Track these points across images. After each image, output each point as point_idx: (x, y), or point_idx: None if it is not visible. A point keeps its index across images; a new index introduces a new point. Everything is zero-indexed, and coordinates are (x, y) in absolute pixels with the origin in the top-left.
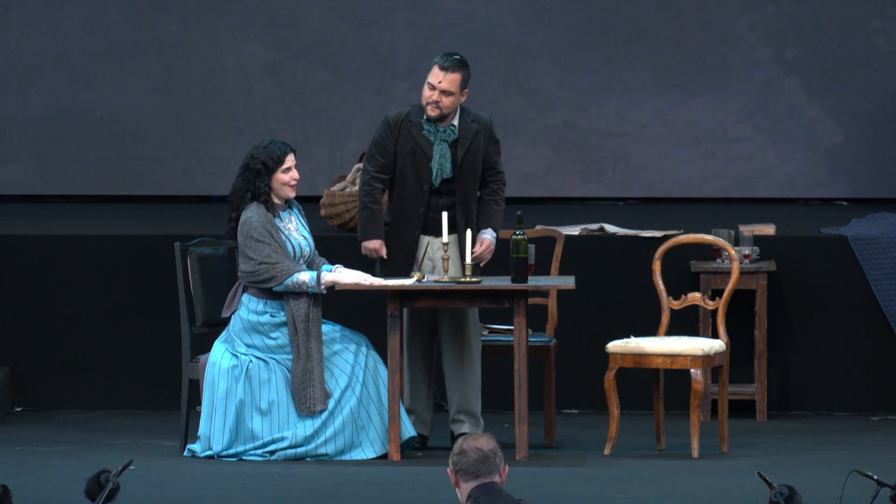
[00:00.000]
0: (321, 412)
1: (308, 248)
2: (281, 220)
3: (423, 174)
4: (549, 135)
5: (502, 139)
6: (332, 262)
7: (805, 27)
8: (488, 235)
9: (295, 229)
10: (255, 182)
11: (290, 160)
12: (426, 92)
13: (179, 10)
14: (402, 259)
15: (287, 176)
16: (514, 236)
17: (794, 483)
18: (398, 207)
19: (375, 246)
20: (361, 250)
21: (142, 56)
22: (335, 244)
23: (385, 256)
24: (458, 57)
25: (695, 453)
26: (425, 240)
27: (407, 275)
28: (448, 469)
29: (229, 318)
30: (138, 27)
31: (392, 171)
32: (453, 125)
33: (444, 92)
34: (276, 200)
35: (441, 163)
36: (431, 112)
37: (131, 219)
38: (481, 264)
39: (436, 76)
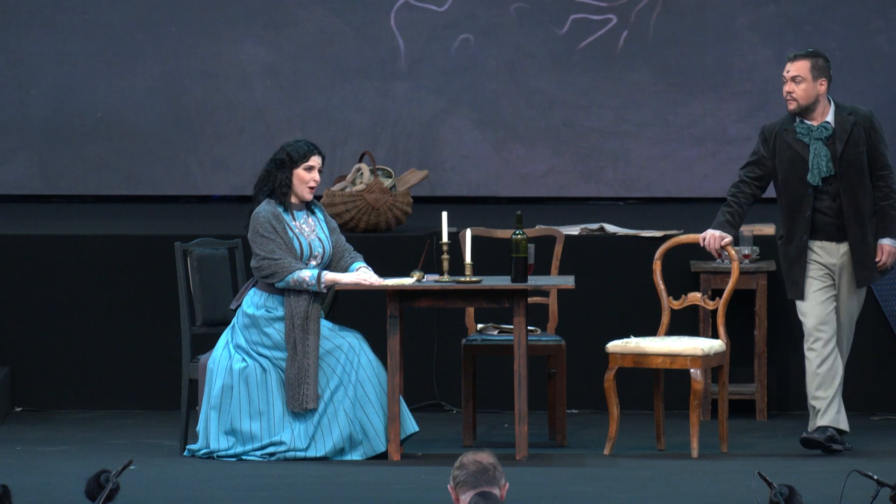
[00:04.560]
0: (314, 414)
1: (321, 250)
2: (294, 219)
3: (804, 177)
4: (549, 135)
5: (502, 139)
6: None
7: (805, 27)
8: (887, 242)
9: (311, 231)
10: (276, 174)
11: (314, 161)
12: (783, 89)
13: (179, 11)
14: (787, 268)
15: (308, 175)
16: (514, 236)
17: (794, 483)
18: (787, 216)
19: (713, 235)
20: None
21: (142, 56)
22: None
23: (716, 247)
24: (808, 49)
25: (695, 453)
26: (814, 244)
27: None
28: (448, 486)
29: (234, 313)
30: (138, 27)
31: (766, 180)
32: (827, 122)
33: (794, 79)
34: (293, 199)
35: (816, 161)
36: (790, 106)
37: (131, 219)
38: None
39: (785, 69)
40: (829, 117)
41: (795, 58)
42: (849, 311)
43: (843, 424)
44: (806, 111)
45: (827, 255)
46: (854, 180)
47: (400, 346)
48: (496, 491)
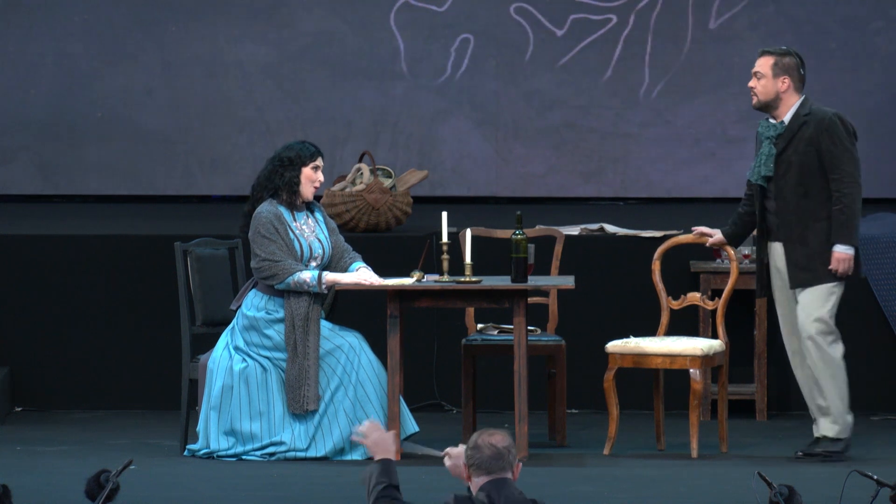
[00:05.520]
0: (314, 414)
1: (321, 251)
2: (295, 219)
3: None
4: (549, 135)
5: (502, 139)
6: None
7: (805, 27)
8: (837, 249)
9: (311, 231)
10: (282, 173)
11: (319, 161)
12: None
13: (179, 10)
14: (757, 266)
15: (315, 174)
16: (514, 236)
17: (794, 483)
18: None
19: (706, 231)
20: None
21: (142, 56)
22: None
23: (710, 242)
24: (781, 47)
25: (694, 453)
26: (771, 247)
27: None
28: (462, 462)
29: (234, 313)
30: (138, 27)
31: None
32: (783, 121)
33: (755, 74)
34: (296, 199)
35: (760, 160)
36: (752, 101)
37: (131, 219)
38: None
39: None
40: (788, 116)
41: (762, 54)
42: (795, 313)
43: (832, 434)
44: (768, 108)
45: (777, 259)
46: (794, 181)
47: (400, 346)
48: (509, 475)
